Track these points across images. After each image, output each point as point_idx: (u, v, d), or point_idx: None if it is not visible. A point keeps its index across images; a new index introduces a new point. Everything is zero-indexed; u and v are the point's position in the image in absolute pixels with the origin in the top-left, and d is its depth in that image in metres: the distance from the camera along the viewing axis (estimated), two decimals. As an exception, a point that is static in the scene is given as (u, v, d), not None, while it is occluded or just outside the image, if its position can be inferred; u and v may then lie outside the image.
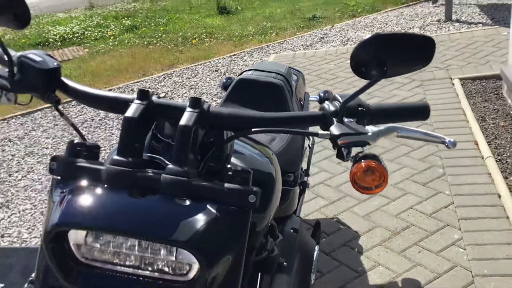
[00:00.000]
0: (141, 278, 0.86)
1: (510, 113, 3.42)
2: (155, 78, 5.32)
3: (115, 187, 0.88)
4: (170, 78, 5.26)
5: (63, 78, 1.04)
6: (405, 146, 3.14)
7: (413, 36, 0.90)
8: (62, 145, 4.03)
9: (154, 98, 0.98)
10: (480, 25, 5.37)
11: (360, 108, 0.96)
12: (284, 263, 1.30)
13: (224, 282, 0.87)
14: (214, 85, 4.88)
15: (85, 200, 0.86)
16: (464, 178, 2.74)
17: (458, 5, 6.33)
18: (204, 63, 5.60)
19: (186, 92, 4.81)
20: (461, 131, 3.24)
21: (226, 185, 0.89)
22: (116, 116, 4.44)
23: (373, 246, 2.33)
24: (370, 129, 0.94)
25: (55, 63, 1.04)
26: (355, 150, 0.99)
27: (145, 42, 6.75)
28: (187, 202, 0.86)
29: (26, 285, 1.03)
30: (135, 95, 0.98)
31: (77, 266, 0.88)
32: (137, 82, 5.29)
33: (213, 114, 0.96)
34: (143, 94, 0.96)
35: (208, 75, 5.18)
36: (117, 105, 1.02)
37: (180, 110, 0.95)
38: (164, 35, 6.95)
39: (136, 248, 0.85)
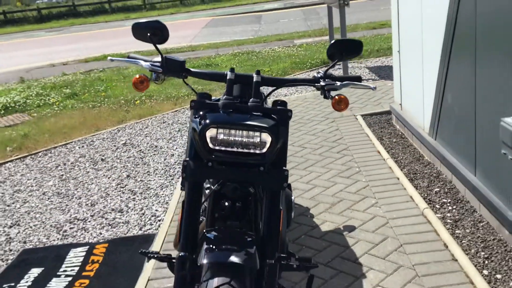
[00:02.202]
0: (241, 152, 1.81)
1: (399, 134, 4.72)
2: (110, 131, 6.14)
3: (227, 111, 1.84)
4: (124, 131, 6.11)
5: (187, 67, 2.01)
6: (329, 158, 4.27)
7: (352, 40, 2.01)
8: (45, 182, 4.71)
9: (236, 73, 1.98)
10: (371, 80, 6.87)
11: (331, 75, 2.04)
12: None
13: (279, 156, 1.86)
14: (166, 132, 5.81)
15: (214, 115, 1.82)
16: (373, 171, 3.90)
17: (351, 68, 7.88)
18: (151, 118, 6.53)
19: (143, 139, 5.69)
20: (367, 146, 4.45)
21: (278, 107, 1.89)
22: (86, 159, 5.20)
23: (320, 213, 3.36)
24: (338, 83, 2.02)
25: (183, 58, 2.00)
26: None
27: (90, 106, 7.56)
28: (262, 114, 1.86)
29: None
30: (227, 71, 1.98)
31: (210, 149, 1.82)
32: (94, 135, 6.08)
33: (265, 77, 1.99)
34: (232, 69, 1.97)
35: (158, 126, 6.11)
36: (218, 77, 2.01)
37: (250, 77, 1.96)
38: (106, 99, 7.81)
39: (241, 135, 1.80)
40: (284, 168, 1.88)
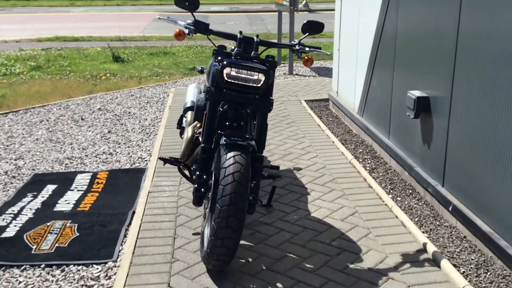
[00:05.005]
0: (245, 85, 2.82)
1: (334, 115, 5.90)
2: (83, 99, 6.90)
3: (237, 57, 2.84)
4: (96, 99, 6.89)
5: (210, 27, 2.99)
6: (280, 127, 5.36)
7: (318, 21, 3.09)
8: (34, 132, 5.44)
9: (243, 35, 2.98)
10: (312, 76, 8.08)
11: (302, 44, 3.10)
12: None
13: (268, 89, 2.89)
14: (136, 103, 6.66)
15: (229, 59, 2.81)
16: (315, 137, 5.02)
17: (295, 66, 9.07)
18: (119, 91, 7.34)
19: (115, 106, 6.51)
20: (309, 121, 5.58)
21: (269, 59, 2.92)
22: (67, 118, 5.96)
23: (275, 160, 4.42)
24: (307, 48, 3.09)
25: (208, 22, 2.98)
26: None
27: (57, 77, 8.22)
28: (259, 62, 2.88)
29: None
30: (237, 33, 2.98)
31: (225, 81, 2.81)
32: (69, 100, 6.81)
33: (262, 40, 3.00)
34: (241, 32, 2.97)
35: (127, 98, 6.95)
36: (232, 36, 3.00)
37: (252, 38, 2.97)
38: (72, 73, 8.49)
39: (246, 73, 2.80)
40: (271, 97, 2.92)
